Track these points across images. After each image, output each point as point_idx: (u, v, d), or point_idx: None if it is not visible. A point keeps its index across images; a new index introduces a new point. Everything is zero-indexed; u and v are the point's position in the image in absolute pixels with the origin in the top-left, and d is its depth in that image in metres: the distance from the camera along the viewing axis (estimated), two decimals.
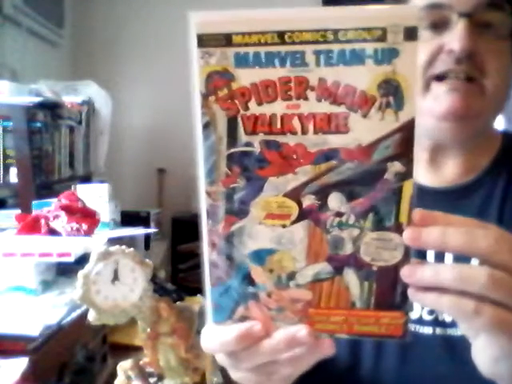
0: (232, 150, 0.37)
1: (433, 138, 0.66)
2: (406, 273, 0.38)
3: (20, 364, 0.79)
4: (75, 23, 3.20)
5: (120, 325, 0.56)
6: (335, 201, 0.38)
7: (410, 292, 0.38)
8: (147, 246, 2.36)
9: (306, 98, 0.36)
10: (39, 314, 1.04)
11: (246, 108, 0.36)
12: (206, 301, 0.41)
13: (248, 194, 0.38)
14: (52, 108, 2.08)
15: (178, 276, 3.00)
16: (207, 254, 0.40)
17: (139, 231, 1.78)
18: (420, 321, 0.63)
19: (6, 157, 1.89)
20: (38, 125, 1.97)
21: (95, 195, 1.62)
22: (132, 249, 0.55)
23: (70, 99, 2.33)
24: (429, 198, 0.68)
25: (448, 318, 0.63)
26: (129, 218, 1.89)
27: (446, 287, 0.37)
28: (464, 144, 0.67)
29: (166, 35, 3.27)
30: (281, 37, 0.35)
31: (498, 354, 0.42)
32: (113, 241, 1.37)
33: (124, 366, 0.61)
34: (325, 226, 0.38)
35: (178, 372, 0.58)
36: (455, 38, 0.59)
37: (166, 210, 3.12)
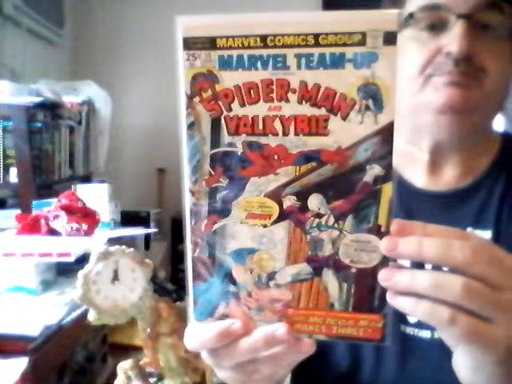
0: (215, 150, 0.38)
1: (432, 135, 0.66)
2: (383, 276, 0.38)
3: (20, 364, 0.79)
4: (75, 23, 3.20)
5: (120, 325, 0.56)
6: (315, 202, 0.38)
7: (388, 296, 0.38)
8: (147, 246, 2.36)
9: (287, 101, 0.37)
10: (39, 314, 1.04)
11: (230, 109, 0.37)
12: (188, 299, 0.42)
13: (230, 193, 0.39)
14: (52, 108, 2.08)
15: (178, 276, 3.00)
16: (190, 253, 0.41)
17: (139, 231, 1.78)
18: (419, 324, 0.63)
19: (5, 157, 1.89)
20: (38, 125, 1.97)
21: (95, 195, 1.63)
22: (132, 249, 0.55)
23: (69, 99, 2.33)
24: (427, 201, 0.68)
25: None
26: (129, 218, 1.89)
27: (422, 294, 0.37)
28: (462, 141, 0.66)
29: (166, 35, 3.26)
30: (263, 40, 0.36)
31: (473, 364, 0.42)
32: (113, 241, 1.37)
33: (124, 366, 0.61)
34: (304, 227, 0.39)
35: (178, 372, 0.58)
36: (453, 40, 0.59)
37: (165, 210, 3.11)
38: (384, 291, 0.38)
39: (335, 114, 0.36)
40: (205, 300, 0.41)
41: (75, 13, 3.19)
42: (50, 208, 1.43)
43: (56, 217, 1.39)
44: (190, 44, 0.37)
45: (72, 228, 1.38)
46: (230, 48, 0.36)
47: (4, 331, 0.96)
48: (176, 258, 3.04)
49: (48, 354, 0.98)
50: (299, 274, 0.40)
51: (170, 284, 2.36)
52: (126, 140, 3.27)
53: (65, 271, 1.24)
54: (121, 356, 0.78)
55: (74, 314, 1.07)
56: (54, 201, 1.46)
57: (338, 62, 0.36)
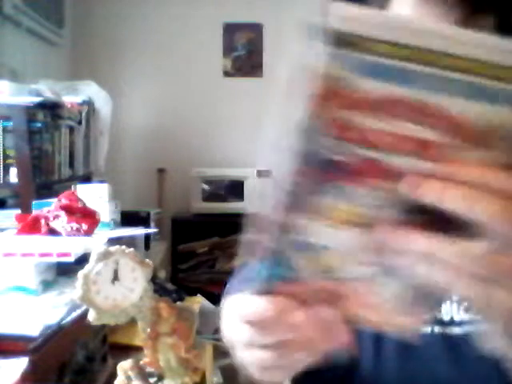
0: (322, 152, 0.35)
1: None
2: (408, 183, 0.36)
3: (20, 364, 0.79)
4: (75, 23, 3.20)
5: (120, 325, 0.55)
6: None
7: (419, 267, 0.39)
8: (147, 246, 2.36)
9: (418, 123, 0.33)
10: (39, 314, 1.04)
11: (357, 119, 0.33)
12: (249, 271, 0.43)
13: (319, 194, 0.37)
14: (52, 108, 2.08)
15: (178, 276, 3.00)
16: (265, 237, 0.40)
17: (139, 231, 1.78)
18: None
19: (5, 157, 1.89)
20: (38, 125, 1.97)
21: (95, 195, 1.62)
22: (132, 249, 0.55)
23: (70, 99, 2.32)
24: None
25: (446, 317, 0.64)
26: (129, 218, 1.89)
27: (446, 262, 0.37)
28: None
29: (166, 35, 3.27)
30: (425, 56, 0.30)
31: (502, 329, 0.42)
32: (113, 241, 1.37)
33: (124, 366, 0.61)
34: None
35: (178, 372, 0.58)
36: None
37: (166, 210, 3.11)
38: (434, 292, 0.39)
39: (463, 148, 0.33)
40: (265, 276, 0.42)
41: (75, 13, 3.19)
42: (50, 208, 1.42)
43: (56, 217, 1.39)
44: (337, 39, 0.30)
45: (72, 228, 1.38)
46: (382, 54, 0.30)
47: (4, 331, 0.96)
48: (176, 257, 3.05)
49: (48, 354, 0.98)
50: (363, 274, 0.40)
51: (170, 284, 2.37)
52: (126, 140, 3.27)
53: (65, 271, 1.24)
54: (121, 356, 0.77)
55: (74, 314, 1.06)
56: (54, 201, 1.46)
57: (491, 98, 0.31)
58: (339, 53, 0.31)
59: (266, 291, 0.42)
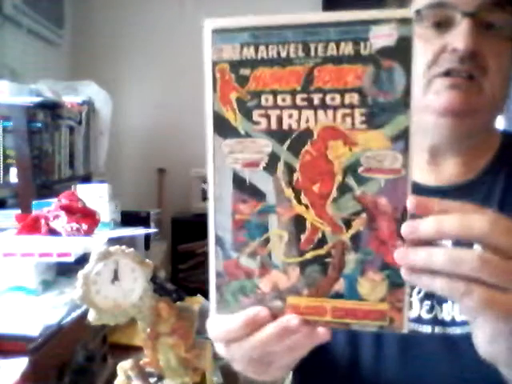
0: None
1: (432, 138, 0.66)
2: (399, 255, 0.40)
3: (20, 364, 0.79)
4: (75, 23, 3.20)
5: (120, 325, 0.56)
6: None
7: (404, 273, 0.40)
8: (147, 246, 2.36)
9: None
10: (39, 314, 1.04)
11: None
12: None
13: None
14: (52, 108, 2.08)
15: (178, 276, 3.00)
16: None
17: (139, 231, 1.77)
18: (419, 319, 0.64)
19: (5, 157, 1.89)
20: (38, 125, 1.97)
21: (95, 195, 1.62)
22: (132, 249, 0.55)
23: (70, 99, 2.32)
24: (426, 196, 0.69)
25: (447, 317, 0.64)
26: (129, 218, 1.89)
27: (439, 269, 0.38)
28: (461, 143, 0.67)
29: (166, 35, 3.27)
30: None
31: (491, 334, 0.43)
32: (113, 241, 1.37)
33: (124, 366, 0.61)
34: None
35: (178, 372, 0.58)
36: (459, 38, 0.60)
37: (166, 210, 3.11)
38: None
39: None
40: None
41: (75, 13, 3.19)
42: (50, 208, 1.42)
43: (56, 217, 1.39)
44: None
45: (72, 228, 1.38)
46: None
47: (4, 331, 0.96)
48: (176, 258, 3.05)
49: (48, 354, 0.98)
50: None
51: (169, 284, 2.36)
52: (126, 140, 3.27)
53: (65, 271, 1.24)
54: (121, 356, 0.78)
55: (74, 314, 1.06)
56: (54, 201, 1.46)
57: None
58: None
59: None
